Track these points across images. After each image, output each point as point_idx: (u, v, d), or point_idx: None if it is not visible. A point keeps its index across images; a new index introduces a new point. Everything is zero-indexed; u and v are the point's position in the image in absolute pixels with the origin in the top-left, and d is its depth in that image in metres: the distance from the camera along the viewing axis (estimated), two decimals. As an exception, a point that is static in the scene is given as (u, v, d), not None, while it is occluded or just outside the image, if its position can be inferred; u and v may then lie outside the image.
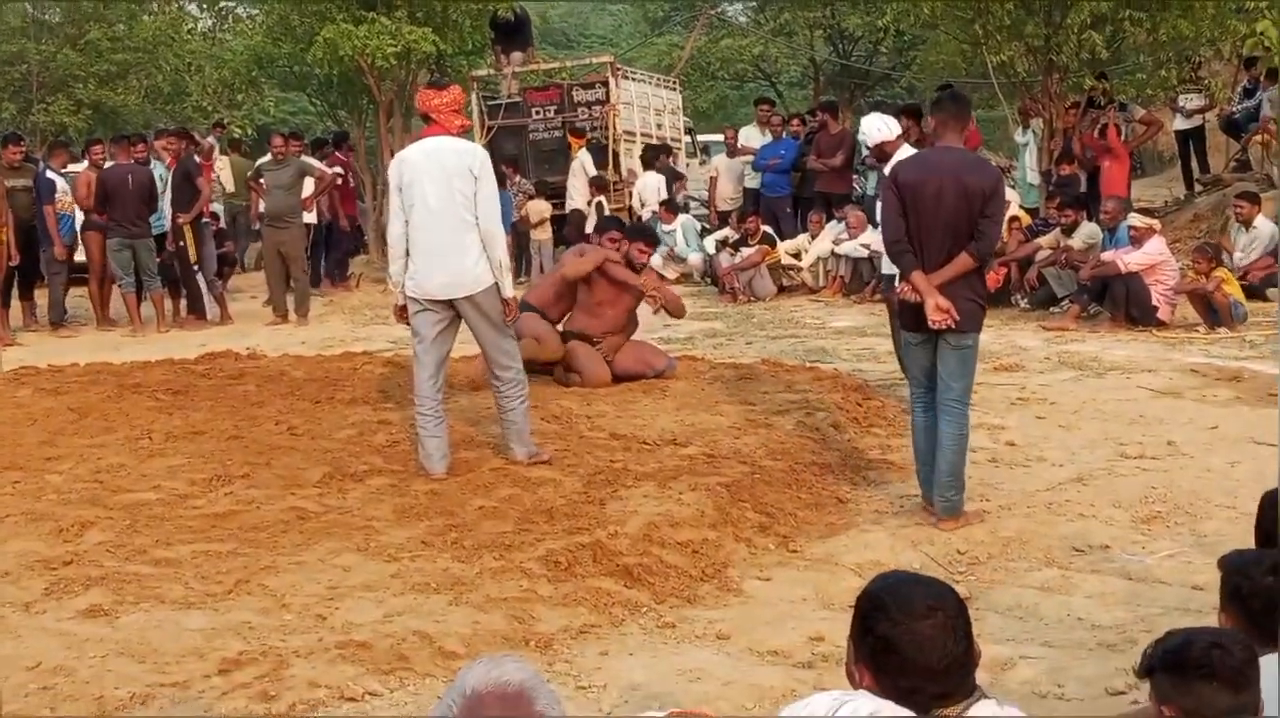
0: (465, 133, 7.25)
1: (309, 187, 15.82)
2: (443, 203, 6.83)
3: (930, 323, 6.22)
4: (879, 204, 6.88)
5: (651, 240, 10.16)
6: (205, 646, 4.81)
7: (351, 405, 8.62)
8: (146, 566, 5.59)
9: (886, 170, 7.25)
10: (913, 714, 2.60)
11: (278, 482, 6.77)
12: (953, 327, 6.23)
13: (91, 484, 6.81)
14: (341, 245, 18.84)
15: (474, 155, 6.96)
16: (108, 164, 14.71)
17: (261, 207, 15.99)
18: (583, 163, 18.89)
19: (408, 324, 7.13)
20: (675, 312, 9.83)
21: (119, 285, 14.52)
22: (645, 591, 5.49)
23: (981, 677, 2.73)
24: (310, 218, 16.47)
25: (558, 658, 4.88)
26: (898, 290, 6.54)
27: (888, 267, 7.62)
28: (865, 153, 16.97)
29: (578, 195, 18.65)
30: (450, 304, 6.96)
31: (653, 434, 7.58)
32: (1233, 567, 3.44)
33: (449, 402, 8.61)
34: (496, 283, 6.95)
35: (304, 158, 16.08)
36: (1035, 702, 4.51)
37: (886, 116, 8.52)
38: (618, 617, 5.26)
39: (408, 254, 6.95)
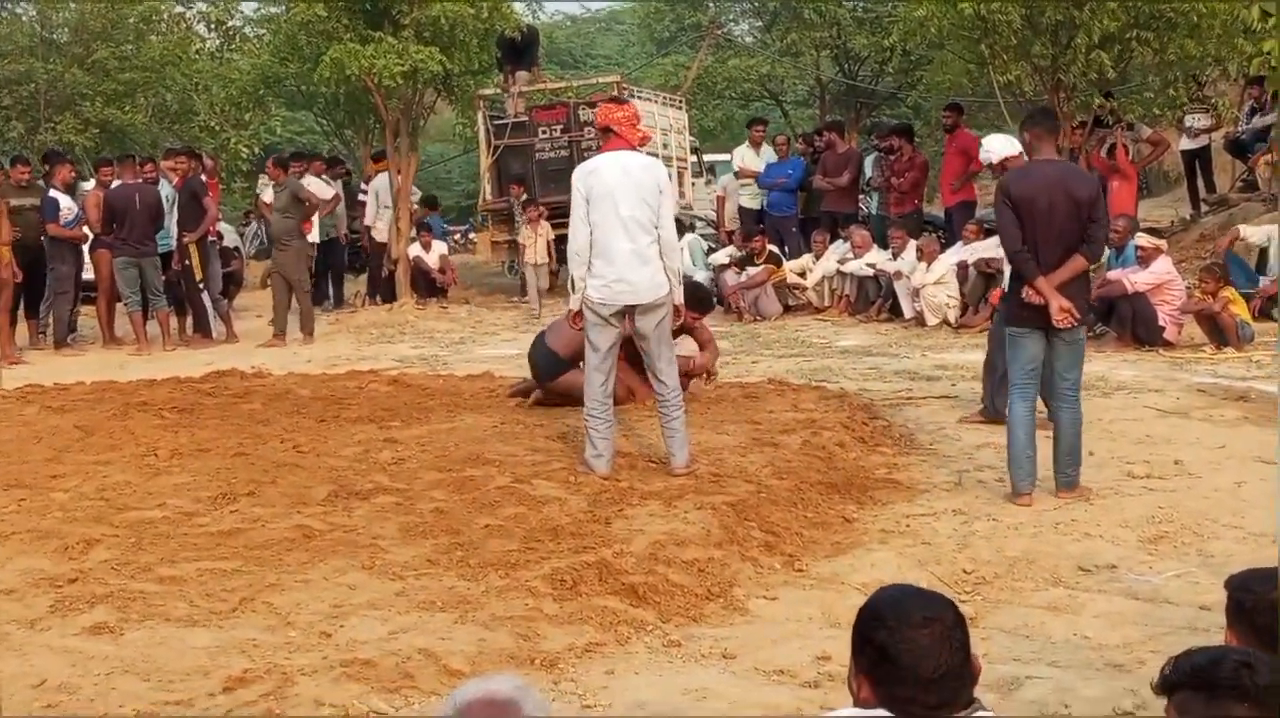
0: (646, 145, 7.71)
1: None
2: (633, 214, 7.19)
3: (1056, 323, 6.84)
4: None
5: (707, 308, 10.01)
6: (210, 663, 4.79)
7: (357, 424, 8.64)
8: (151, 583, 5.58)
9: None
10: None
11: (283, 500, 6.76)
12: (1074, 325, 6.90)
13: (97, 502, 6.81)
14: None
15: (660, 171, 7.48)
16: (114, 184, 14.75)
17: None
18: (377, 189, 18.87)
19: (580, 329, 7.49)
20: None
21: (124, 304, 14.55)
22: (651, 609, 5.47)
23: (989, 697, 2.72)
24: (313, 238, 16.49)
25: (563, 677, 4.85)
26: (1022, 294, 6.94)
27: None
28: (870, 173, 17.20)
29: (380, 224, 18.73)
30: (624, 316, 7.31)
31: (658, 453, 7.57)
32: (1237, 583, 3.42)
33: (454, 419, 8.64)
34: (671, 289, 7.37)
35: (297, 180, 16.04)
36: (1042, 722, 4.49)
37: (1010, 136, 8.68)
38: (623, 635, 5.24)
39: (590, 262, 7.26)
